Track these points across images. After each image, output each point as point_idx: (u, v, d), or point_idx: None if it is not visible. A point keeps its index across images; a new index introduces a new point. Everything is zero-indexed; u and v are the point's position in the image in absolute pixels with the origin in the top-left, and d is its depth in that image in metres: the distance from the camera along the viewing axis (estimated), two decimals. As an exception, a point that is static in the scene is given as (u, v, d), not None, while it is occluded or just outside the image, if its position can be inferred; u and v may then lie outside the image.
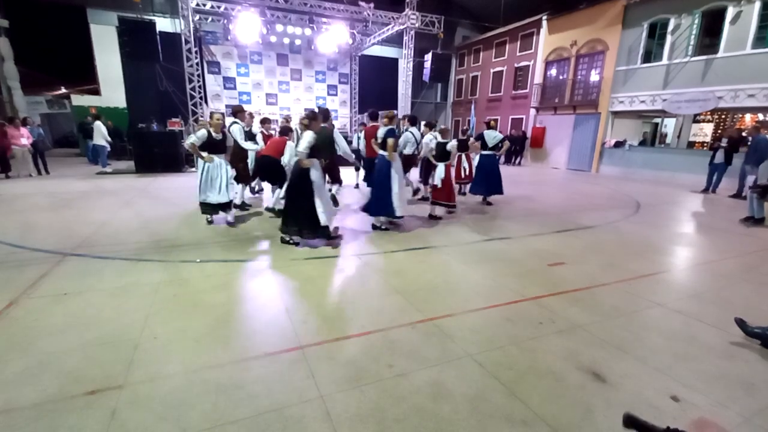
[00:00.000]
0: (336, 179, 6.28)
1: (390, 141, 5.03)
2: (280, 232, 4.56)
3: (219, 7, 12.40)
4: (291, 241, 4.56)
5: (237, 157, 6.18)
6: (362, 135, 6.71)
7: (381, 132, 5.23)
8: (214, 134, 5.06)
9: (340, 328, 2.68)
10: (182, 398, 1.95)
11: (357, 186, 8.98)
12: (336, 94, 17.60)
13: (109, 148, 11.17)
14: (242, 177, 6.36)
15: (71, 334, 2.53)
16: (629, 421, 1.76)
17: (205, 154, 5.01)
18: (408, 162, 7.21)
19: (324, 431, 1.76)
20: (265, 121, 7.08)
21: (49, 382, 2.04)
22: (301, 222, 4.38)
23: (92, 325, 2.65)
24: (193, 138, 4.95)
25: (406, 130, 7.30)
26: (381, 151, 5.22)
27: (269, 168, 5.87)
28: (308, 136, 4.28)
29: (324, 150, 5.48)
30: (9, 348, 2.36)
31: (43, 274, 3.49)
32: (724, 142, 9.25)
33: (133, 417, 1.82)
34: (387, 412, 1.89)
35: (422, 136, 7.21)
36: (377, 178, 5.24)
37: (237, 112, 6.14)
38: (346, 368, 2.23)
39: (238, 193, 6.29)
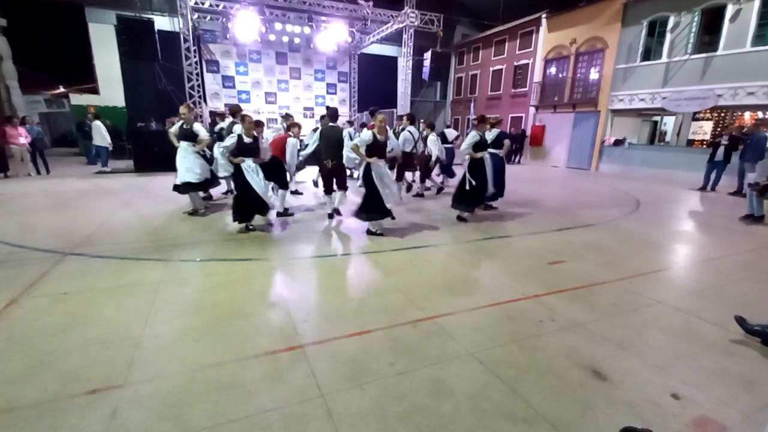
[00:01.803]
0: (342, 185, 5.80)
1: (506, 142, 6.45)
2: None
3: (218, 6, 12.37)
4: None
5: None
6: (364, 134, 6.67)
7: (491, 134, 6.11)
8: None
9: (340, 327, 2.68)
10: (183, 397, 1.95)
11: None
12: (335, 93, 17.58)
13: (110, 148, 11.16)
14: None
15: (72, 333, 2.53)
16: None
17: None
18: (407, 160, 7.23)
19: (325, 430, 1.76)
20: (258, 124, 6.77)
21: (49, 382, 2.04)
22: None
23: (93, 324, 2.65)
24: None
25: (403, 129, 7.33)
26: (493, 150, 5.95)
27: (272, 168, 5.82)
28: (471, 137, 5.42)
29: (332, 150, 5.46)
30: (10, 347, 2.36)
31: (43, 274, 3.49)
32: (725, 140, 9.24)
33: (134, 416, 1.82)
34: (388, 410, 1.89)
35: (420, 134, 7.29)
36: (494, 172, 6.01)
37: (235, 112, 5.99)
38: (347, 367, 2.23)
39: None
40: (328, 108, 5.97)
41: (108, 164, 11.04)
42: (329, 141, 5.48)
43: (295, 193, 7.55)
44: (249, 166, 4.77)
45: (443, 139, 8.43)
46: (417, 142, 7.20)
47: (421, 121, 8.10)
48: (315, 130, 7.81)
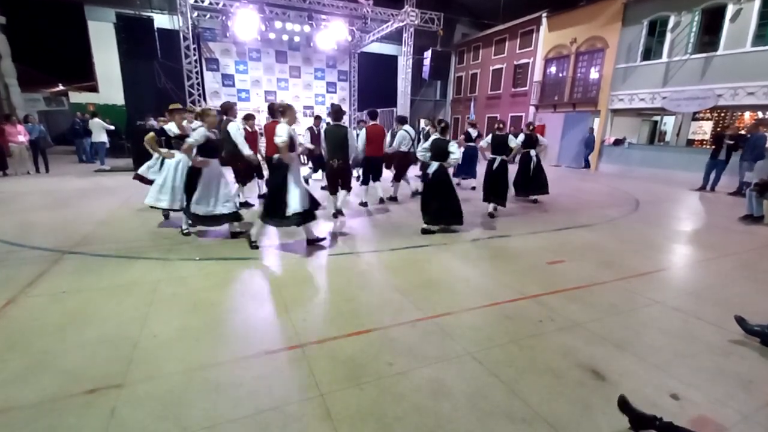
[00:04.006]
0: (347, 185, 5.87)
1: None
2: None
3: (217, 4, 12.32)
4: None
5: (235, 156, 5.85)
6: (362, 133, 6.68)
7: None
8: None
9: (339, 326, 2.68)
10: (182, 397, 1.95)
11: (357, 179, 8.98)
12: (335, 92, 17.53)
13: (107, 144, 11.18)
14: (243, 176, 6.22)
15: (70, 332, 2.52)
16: (623, 403, 1.80)
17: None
18: (405, 160, 7.24)
19: (324, 429, 1.76)
20: (248, 117, 6.40)
21: (48, 381, 2.04)
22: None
23: (91, 323, 2.64)
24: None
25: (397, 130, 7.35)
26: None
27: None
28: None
29: (338, 150, 5.42)
30: (8, 347, 2.35)
31: (41, 273, 3.48)
32: (728, 138, 9.22)
33: (133, 416, 1.82)
34: (387, 410, 1.89)
35: (427, 134, 7.41)
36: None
37: (228, 109, 5.80)
38: (346, 366, 2.23)
39: (241, 194, 6.17)
40: (332, 105, 5.91)
41: (105, 162, 11.08)
42: (334, 141, 5.44)
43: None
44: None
45: (467, 137, 8.75)
46: (414, 142, 7.25)
47: (424, 120, 8.20)
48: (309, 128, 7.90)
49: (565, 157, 15.58)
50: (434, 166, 4.98)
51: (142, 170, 5.88)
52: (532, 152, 7.28)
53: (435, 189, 5.02)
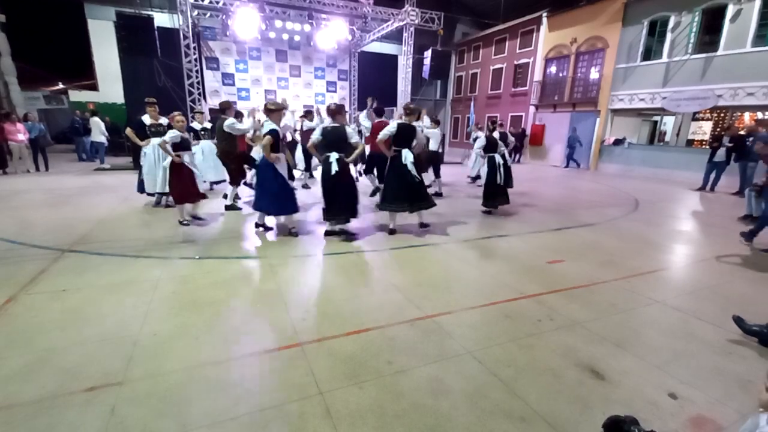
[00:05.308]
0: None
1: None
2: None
3: (217, 3, 12.30)
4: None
5: (228, 156, 5.96)
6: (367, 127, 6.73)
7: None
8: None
9: (339, 325, 2.68)
10: (182, 395, 1.95)
11: (357, 177, 9.00)
12: (335, 91, 17.52)
13: (107, 144, 11.19)
14: (234, 177, 6.12)
15: (70, 330, 2.53)
16: (613, 425, 1.73)
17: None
18: (436, 159, 7.30)
19: (324, 428, 1.77)
20: (238, 114, 6.57)
21: (47, 379, 2.04)
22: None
23: (91, 321, 2.65)
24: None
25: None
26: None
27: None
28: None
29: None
30: (8, 345, 2.35)
31: (41, 271, 3.48)
32: (726, 141, 9.22)
33: (133, 413, 1.82)
34: (386, 408, 1.90)
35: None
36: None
37: (226, 108, 5.93)
38: (346, 365, 2.23)
39: (229, 194, 6.14)
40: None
41: (105, 160, 11.09)
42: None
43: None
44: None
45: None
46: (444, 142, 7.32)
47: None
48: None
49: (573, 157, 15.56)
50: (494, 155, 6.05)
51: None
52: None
53: (502, 174, 6.05)
